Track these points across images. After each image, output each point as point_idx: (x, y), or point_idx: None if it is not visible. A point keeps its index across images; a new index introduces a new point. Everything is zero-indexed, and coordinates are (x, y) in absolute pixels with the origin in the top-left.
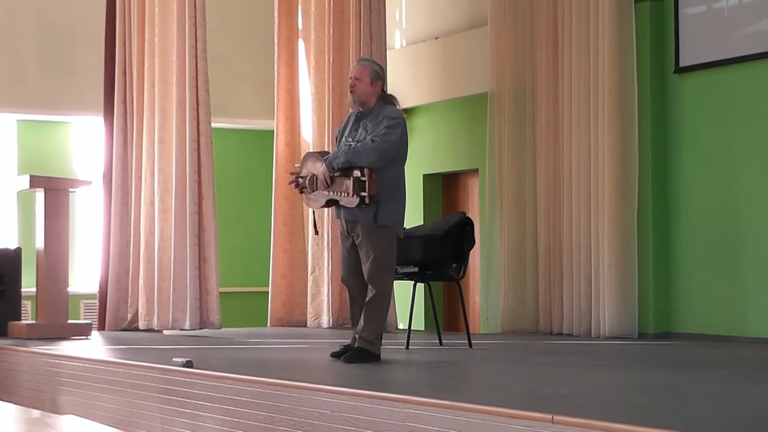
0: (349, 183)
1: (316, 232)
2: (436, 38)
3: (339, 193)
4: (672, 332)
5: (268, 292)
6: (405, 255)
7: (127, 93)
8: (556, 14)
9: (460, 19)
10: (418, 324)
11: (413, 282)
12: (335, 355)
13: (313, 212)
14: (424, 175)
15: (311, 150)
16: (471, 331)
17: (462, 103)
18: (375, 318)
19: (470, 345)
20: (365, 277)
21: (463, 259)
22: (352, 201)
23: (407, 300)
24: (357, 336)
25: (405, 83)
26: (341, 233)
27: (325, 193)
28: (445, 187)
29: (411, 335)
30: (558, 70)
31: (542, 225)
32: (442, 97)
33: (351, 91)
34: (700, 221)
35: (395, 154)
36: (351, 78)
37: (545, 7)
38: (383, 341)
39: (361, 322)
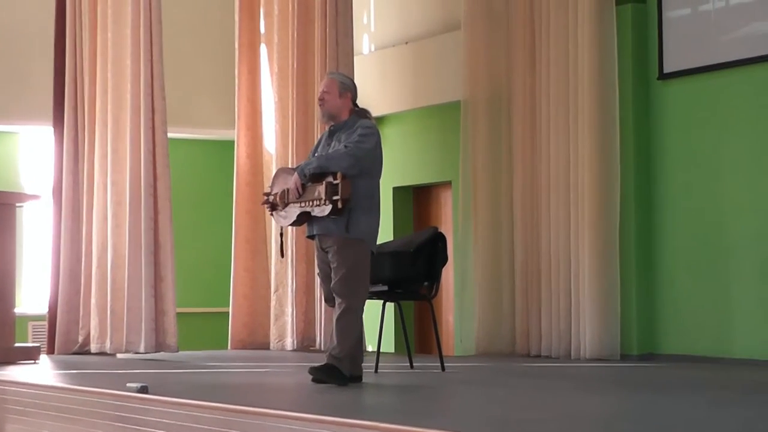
0: (322, 188)
1: (282, 255)
2: (406, 43)
3: (311, 203)
4: (657, 353)
5: (228, 313)
6: (374, 272)
7: (78, 101)
8: (533, 17)
9: (431, 22)
10: (388, 346)
11: (382, 301)
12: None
13: (281, 233)
14: (394, 188)
15: (282, 166)
16: (444, 354)
17: (434, 112)
18: (345, 336)
19: (443, 368)
20: (334, 291)
21: (435, 277)
22: (324, 209)
23: (376, 320)
24: (327, 354)
25: (373, 90)
26: (317, 249)
27: (297, 206)
28: (416, 200)
29: (380, 358)
30: (535, 76)
31: (519, 240)
32: (412, 105)
33: (320, 105)
34: (686, 234)
35: (370, 164)
36: (320, 92)
37: (521, 10)
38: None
39: (332, 339)
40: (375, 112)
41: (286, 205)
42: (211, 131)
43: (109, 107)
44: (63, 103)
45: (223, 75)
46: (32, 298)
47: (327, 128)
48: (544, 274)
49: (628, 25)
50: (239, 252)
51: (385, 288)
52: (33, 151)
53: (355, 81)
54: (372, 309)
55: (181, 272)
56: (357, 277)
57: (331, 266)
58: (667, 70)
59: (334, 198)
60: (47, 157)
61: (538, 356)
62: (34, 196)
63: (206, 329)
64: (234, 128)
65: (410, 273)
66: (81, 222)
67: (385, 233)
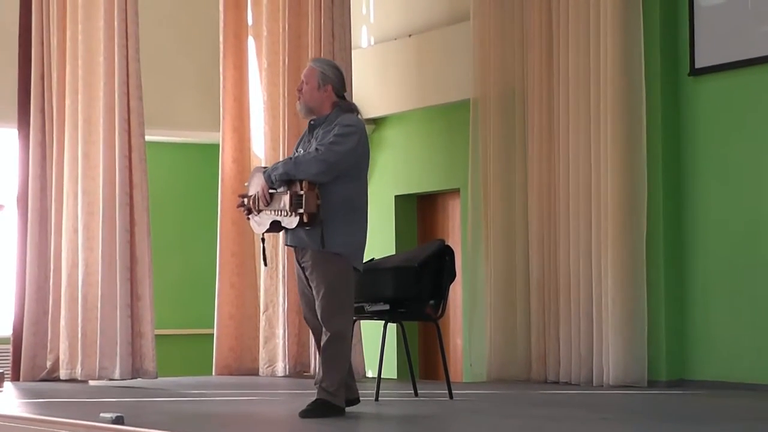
0: (287, 199)
1: (266, 264)
2: (410, 35)
3: (279, 212)
4: (687, 380)
5: (212, 335)
6: (374, 290)
7: (45, 101)
8: (550, 6)
9: (437, 13)
10: (390, 371)
11: (384, 322)
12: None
13: (263, 239)
14: (396, 197)
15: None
16: (452, 380)
17: (440, 112)
18: (334, 365)
19: (451, 396)
20: (318, 316)
21: (441, 295)
22: (291, 221)
23: (377, 343)
24: (316, 387)
25: (373, 88)
26: (296, 264)
27: (269, 213)
28: (420, 210)
29: (381, 384)
30: (552, 71)
31: (534, 255)
32: (416, 105)
33: (297, 97)
34: (720, 249)
35: (347, 167)
36: (299, 83)
37: None
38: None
39: (319, 371)
40: (375, 112)
41: (259, 210)
42: (194, 134)
43: (79, 107)
44: (29, 103)
45: (207, 71)
46: None
47: (308, 123)
48: (563, 292)
49: (656, 14)
50: (224, 267)
51: (387, 307)
52: None
53: (353, 78)
54: (372, 331)
55: (160, 290)
56: (339, 298)
57: (310, 284)
58: (699, 65)
59: (299, 211)
60: (11, 163)
61: (556, 383)
62: None
63: (188, 353)
64: (219, 130)
65: (414, 291)
66: (49, 234)
67: (387, 246)
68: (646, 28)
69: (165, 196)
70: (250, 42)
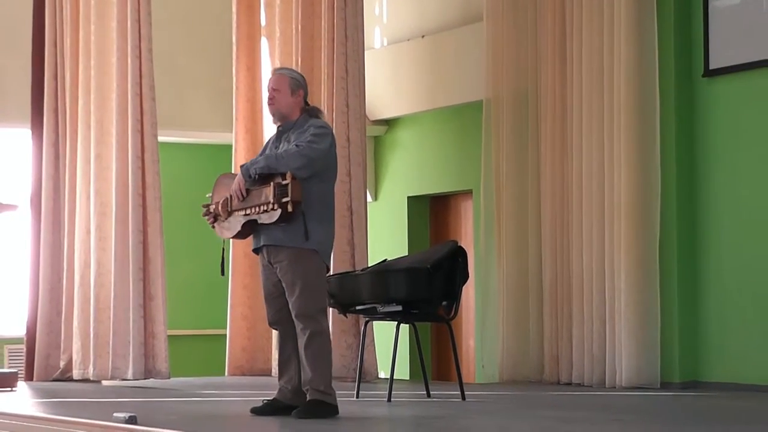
0: (269, 190)
1: (223, 273)
2: (423, 36)
3: (257, 209)
4: (701, 381)
5: (225, 336)
6: (387, 291)
7: (58, 101)
8: (564, 7)
9: (450, 13)
10: (402, 372)
11: (396, 323)
12: (257, 411)
13: (223, 248)
14: (408, 198)
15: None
16: (464, 381)
17: (453, 113)
18: (320, 363)
19: (463, 397)
20: (293, 314)
21: (454, 296)
22: (273, 215)
23: (389, 344)
24: (306, 388)
25: (386, 89)
26: (263, 266)
27: (242, 214)
28: (433, 211)
29: (393, 385)
30: (566, 73)
31: (548, 256)
32: (429, 106)
33: (269, 105)
34: (734, 251)
35: (323, 167)
36: (269, 90)
37: None
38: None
39: (306, 372)
40: (388, 113)
41: (229, 213)
42: (206, 134)
43: (92, 108)
44: (42, 104)
45: (220, 72)
46: (9, 319)
47: (276, 129)
48: (576, 293)
49: (670, 15)
50: (237, 268)
51: (400, 308)
52: (9, 156)
53: (366, 79)
54: (385, 332)
55: (172, 291)
56: (316, 294)
57: (283, 283)
58: (713, 66)
59: (284, 200)
60: (25, 163)
61: (569, 384)
62: (10, 206)
63: (200, 354)
64: (231, 131)
65: (427, 292)
66: (62, 235)
67: (400, 247)
68: (660, 29)
69: (178, 196)
70: (263, 43)
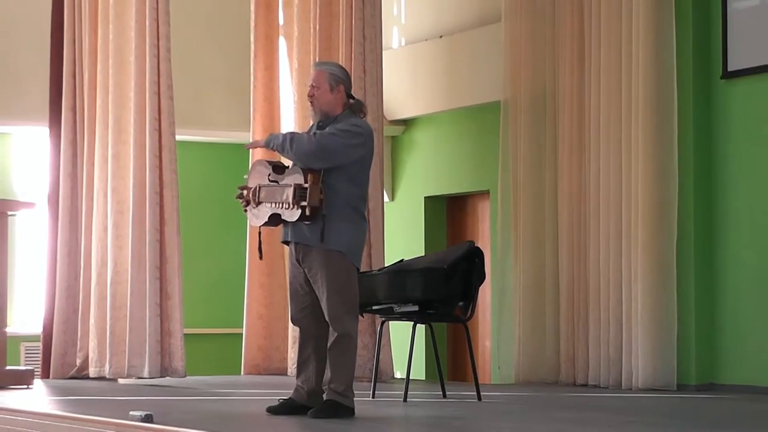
0: (290, 191)
1: (261, 257)
2: (441, 37)
3: (280, 205)
4: (717, 384)
5: (241, 335)
6: (403, 291)
7: (76, 100)
8: (582, 8)
9: (468, 14)
10: (418, 372)
11: (413, 323)
12: (272, 411)
13: (259, 231)
14: (426, 198)
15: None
16: (480, 382)
17: (471, 113)
18: (343, 365)
19: (479, 398)
20: (326, 317)
21: (471, 297)
22: (293, 214)
23: (405, 344)
24: (325, 388)
25: (403, 89)
26: (291, 262)
27: (269, 206)
28: (450, 211)
29: (410, 386)
30: (584, 74)
31: (564, 257)
32: (447, 106)
33: (310, 102)
34: (752, 253)
35: (344, 162)
36: (308, 87)
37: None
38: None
39: (328, 372)
40: (405, 114)
41: (258, 203)
42: (224, 133)
43: (110, 107)
44: (60, 102)
45: (238, 71)
46: (25, 316)
47: (314, 123)
48: (593, 294)
49: (688, 17)
50: (253, 267)
51: (416, 308)
52: (27, 155)
53: (384, 79)
54: (401, 332)
55: (189, 289)
56: (345, 296)
57: (313, 284)
58: (732, 68)
59: (302, 204)
60: (42, 161)
61: (585, 385)
62: (28, 204)
63: (217, 352)
64: (249, 130)
65: (444, 292)
66: (79, 233)
67: (417, 248)
68: (679, 31)
69: (195, 195)
70: (281, 42)
